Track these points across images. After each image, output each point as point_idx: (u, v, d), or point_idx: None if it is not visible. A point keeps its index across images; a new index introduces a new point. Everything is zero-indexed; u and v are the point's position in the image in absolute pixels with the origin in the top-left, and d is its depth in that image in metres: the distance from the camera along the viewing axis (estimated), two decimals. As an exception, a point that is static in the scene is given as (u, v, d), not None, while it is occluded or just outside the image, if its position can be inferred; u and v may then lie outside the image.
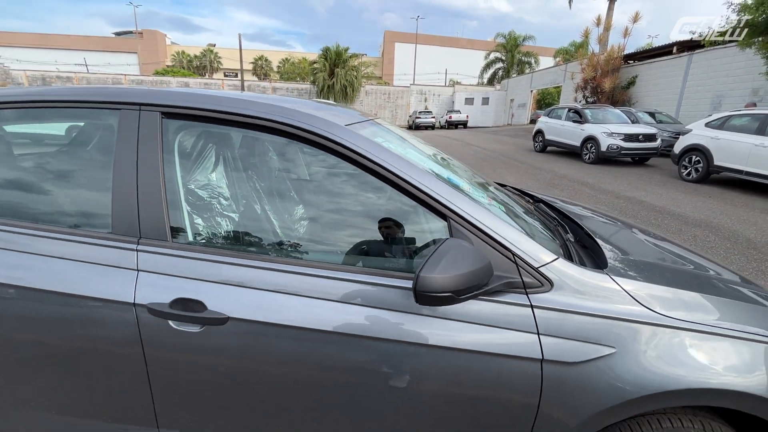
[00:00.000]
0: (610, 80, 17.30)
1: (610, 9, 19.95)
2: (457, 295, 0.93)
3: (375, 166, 1.11)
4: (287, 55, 62.72)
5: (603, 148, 10.23)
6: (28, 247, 1.12)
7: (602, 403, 1.00)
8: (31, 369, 1.15)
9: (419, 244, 1.26)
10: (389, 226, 1.25)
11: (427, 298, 0.92)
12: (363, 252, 1.23)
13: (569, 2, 22.40)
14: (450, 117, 29.50)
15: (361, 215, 1.33)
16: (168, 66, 52.41)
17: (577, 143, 11.24)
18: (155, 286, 1.07)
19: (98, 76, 31.70)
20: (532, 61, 37.50)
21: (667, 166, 9.93)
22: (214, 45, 64.47)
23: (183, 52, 60.49)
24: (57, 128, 1.41)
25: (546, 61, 39.41)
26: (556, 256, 1.10)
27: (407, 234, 1.27)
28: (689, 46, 15.29)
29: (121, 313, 1.06)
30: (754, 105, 11.17)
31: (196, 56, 60.72)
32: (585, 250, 1.40)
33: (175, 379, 1.10)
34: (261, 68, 60.73)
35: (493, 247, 1.06)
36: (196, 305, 1.05)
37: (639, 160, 10.86)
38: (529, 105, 28.48)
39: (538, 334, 1.02)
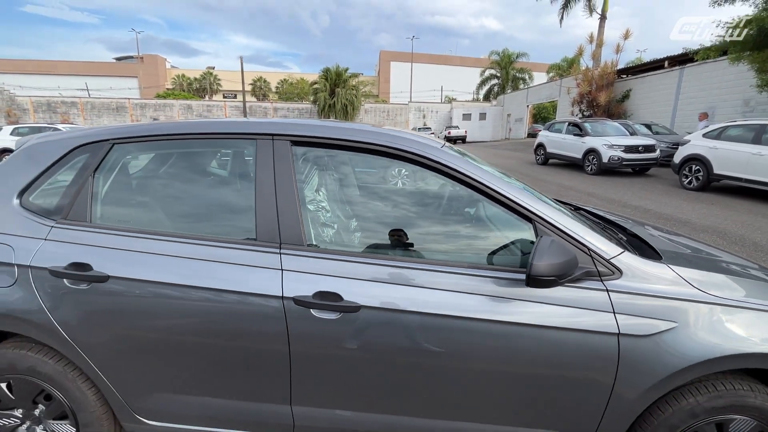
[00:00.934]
0: (605, 94, 17.90)
1: (601, 26, 20.77)
2: (559, 279, 1.17)
3: (468, 179, 1.37)
4: (285, 75, 64.04)
5: (605, 160, 10.60)
6: (191, 253, 1.36)
7: (668, 369, 1.23)
8: (190, 355, 1.37)
9: (503, 242, 1.50)
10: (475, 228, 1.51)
11: (537, 281, 1.16)
12: (463, 250, 1.48)
13: (560, 21, 23.26)
14: (449, 132, 30.13)
15: (456, 220, 1.59)
16: (168, 89, 53.40)
17: (579, 155, 11.62)
18: (298, 281, 1.31)
19: (102, 100, 32.30)
20: (527, 76, 38.56)
21: (667, 176, 10.29)
22: (213, 68, 65.86)
23: (183, 75, 61.76)
24: (205, 156, 1.67)
25: (539, 77, 40.50)
26: (623, 250, 1.35)
27: (493, 234, 1.52)
28: (680, 60, 15.93)
29: (271, 304, 1.29)
30: (706, 116, 11.88)
31: (195, 79, 61.98)
32: (637, 244, 1.65)
33: (314, 360, 1.33)
34: (260, 89, 61.91)
35: (572, 243, 1.30)
36: (334, 297, 1.28)
37: (639, 170, 11.23)
38: (526, 119, 29.17)
39: (614, 312, 1.26)
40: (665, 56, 17.01)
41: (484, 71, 40.67)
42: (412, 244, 1.51)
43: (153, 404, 1.45)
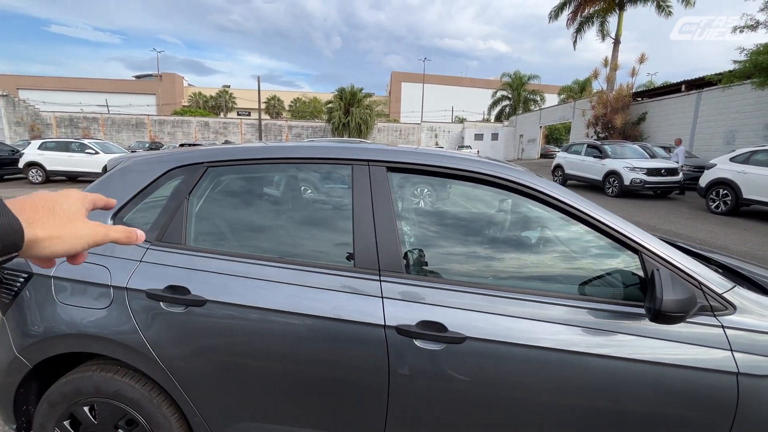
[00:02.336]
0: (621, 117, 17.92)
1: (615, 50, 20.97)
2: (686, 316, 1.13)
3: (571, 208, 1.34)
4: (299, 94, 65.46)
5: (626, 182, 10.51)
6: (288, 278, 1.34)
7: None
8: (283, 383, 1.34)
9: (595, 272, 1.46)
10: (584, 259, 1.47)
11: (666, 317, 1.12)
12: (570, 281, 1.44)
13: (573, 44, 23.59)
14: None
15: (551, 249, 1.56)
16: (185, 106, 54.93)
17: (599, 177, 11.55)
18: (400, 310, 1.28)
19: (122, 116, 33.25)
20: (538, 98, 38.90)
21: (691, 200, 10.14)
22: (229, 86, 67.72)
23: (199, 93, 63.53)
24: (299, 180, 1.68)
25: (551, 98, 40.84)
26: (734, 284, 1.30)
27: (582, 263, 1.48)
28: (697, 84, 15.96)
29: (372, 333, 1.26)
30: (681, 141, 12.35)
31: (211, 97, 63.66)
32: (738, 276, 1.60)
33: (413, 393, 1.28)
34: (273, 107, 63.31)
35: (682, 276, 1.26)
36: (438, 327, 1.25)
37: (661, 193, 11.11)
38: (538, 140, 29.26)
39: (731, 350, 1.20)
40: (682, 80, 17.08)
41: (495, 92, 41.18)
42: (499, 272, 1.48)
43: None
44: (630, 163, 10.74)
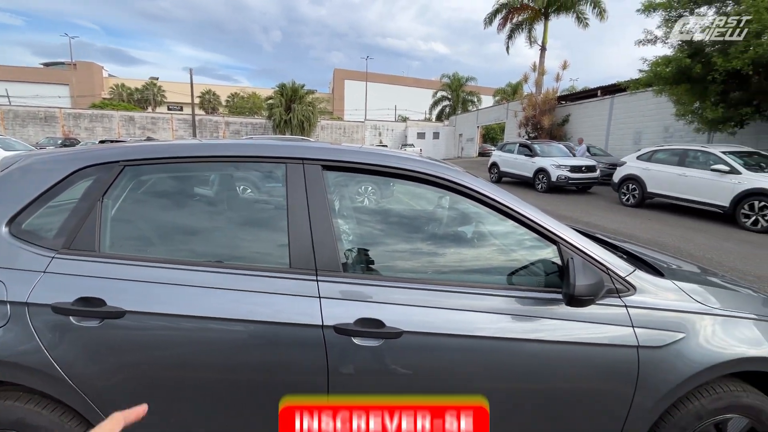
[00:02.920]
0: (548, 118, 19.46)
1: (542, 57, 22.67)
2: (595, 298, 1.26)
3: (498, 204, 1.44)
4: (237, 89, 62.25)
5: (553, 179, 11.45)
6: (219, 283, 1.28)
7: (680, 376, 1.35)
8: (219, 392, 1.27)
9: (519, 263, 1.58)
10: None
11: (579, 301, 1.23)
12: (500, 273, 1.52)
13: (506, 49, 25.08)
14: (404, 150, 30.89)
15: (484, 243, 1.64)
16: (106, 98, 49.67)
17: (530, 174, 12.45)
18: (338, 309, 1.28)
19: (27, 109, 29.25)
20: (475, 99, 40.88)
21: (607, 194, 11.31)
22: (157, 78, 62.50)
23: (122, 85, 57.91)
24: (227, 179, 1.58)
25: (487, 100, 43.12)
26: (635, 268, 1.47)
27: (515, 256, 1.59)
28: (611, 90, 17.80)
29: (309, 334, 1.25)
30: (582, 140, 14.32)
31: (137, 89, 58.32)
32: (639, 262, 1.81)
33: (353, 389, 1.29)
34: (209, 102, 59.59)
35: (592, 263, 1.41)
36: (376, 323, 1.27)
37: (582, 188, 12.25)
38: (476, 139, 30.76)
39: (633, 327, 1.37)
40: (598, 86, 18.95)
41: (436, 93, 42.54)
42: (437, 267, 1.54)
43: None
44: (556, 161, 11.71)
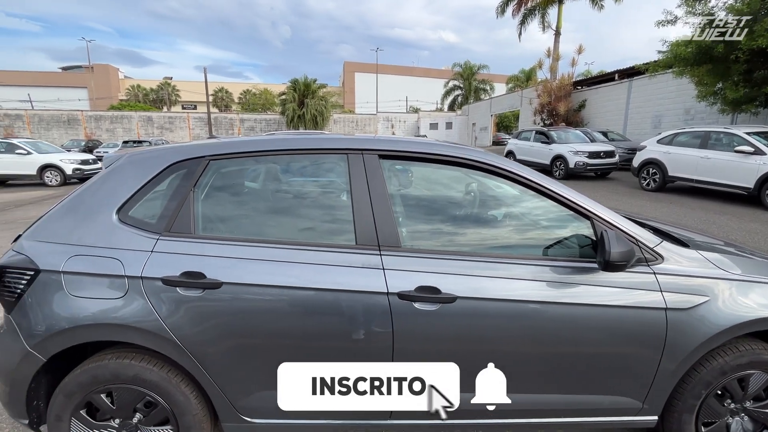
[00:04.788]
0: (564, 104, 19.20)
1: (556, 41, 22.31)
2: (627, 264, 1.43)
3: (534, 184, 1.61)
4: (248, 86, 62.88)
5: (571, 165, 11.41)
6: (298, 258, 1.49)
7: (704, 335, 1.51)
8: (298, 352, 1.49)
9: (555, 237, 1.74)
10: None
11: (614, 266, 1.41)
12: (537, 246, 1.70)
13: (518, 35, 24.73)
14: (418, 142, 30.84)
15: (524, 220, 1.82)
16: (123, 100, 50.89)
17: (547, 162, 12.41)
18: (400, 279, 1.47)
19: (51, 113, 30.29)
20: (488, 87, 40.40)
21: (626, 179, 11.22)
22: (171, 78, 63.62)
23: (138, 86, 59.14)
24: (297, 170, 1.81)
25: (499, 88, 42.56)
26: (661, 240, 1.63)
27: (552, 231, 1.76)
28: (628, 73, 17.45)
29: (377, 300, 1.45)
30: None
31: (152, 89, 59.52)
32: (665, 235, 1.95)
33: (414, 350, 1.49)
34: (222, 100, 60.43)
35: (624, 236, 1.57)
36: (433, 290, 1.46)
37: (601, 174, 12.17)
38: (490, 128, 30.52)
39: (661, 291, 1.53)
40: (615, 70, 18.58)
41: (448, 82, 42.21)
42: (483, 242, 1.72)
43: (257, 402, 1.55)
44: (574, 147, 11.65)
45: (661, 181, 9.18)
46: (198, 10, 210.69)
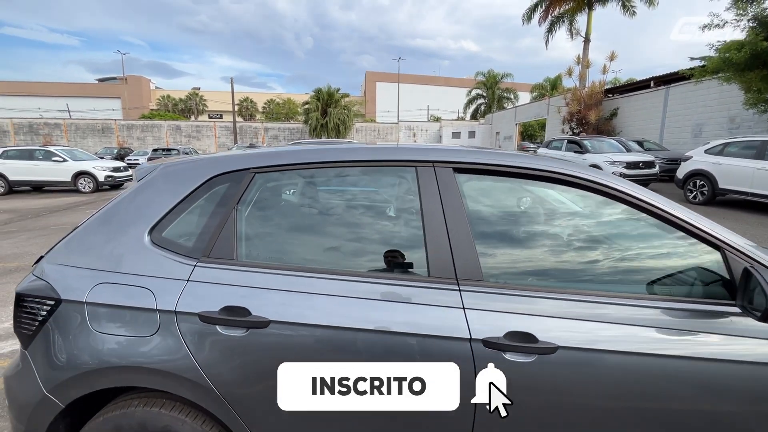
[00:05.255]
0: (594, 113, 18.52)
1: (586, 48, 21.67)
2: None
3: (645, 204, 1.30)
4: (272, 95, 64.28)
5: (607, 176, 10.82)
6: (357, 292, 1.23)
7: None
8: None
9: (680, 270, 1.40)
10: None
11: None
12: (646, 280, 1.38)
13: (545, 43, 24.21)
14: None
15: (635, 248, 1.50)
16: (153, 110, 52.88)
17: (580, 172, 11.84)
18: (484, 321, 1.19)
19: (87, 122, 31.60)
20: (512, 96, 39.77)
21: (668, 191, 10.54)
22: (199, 88, 65.74)
23: (168, 96, 61.37)
24: (358, 185, 1.55)
25: (523, 96, 41.81)
26: None
27: (668, 263, 1.43)
28: (665, 80, 16.70)
29: (456, 347, 1.17)
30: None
31: (181, 99, 61.61)
32: None
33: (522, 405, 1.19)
34: (246, 109, 61.95)
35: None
36: (527, 337, 1.17)
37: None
38: (515, 137, 29.88)
39: None
40: (649, 77, 17.84)
41: (470, 91, 41.78)
42: (584, 274, 1.41)
43: None
44: (610, 157, 11.08)
45: (709, 194, 8.54)
46: (226, 23, 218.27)
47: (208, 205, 1.36)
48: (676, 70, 14.25)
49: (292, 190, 1.57)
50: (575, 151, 12.33)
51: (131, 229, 1.33)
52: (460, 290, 1.23)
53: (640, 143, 14.40)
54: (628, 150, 12.59)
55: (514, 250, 1.46)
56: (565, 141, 13.20)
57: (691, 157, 9.03)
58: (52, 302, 1.26)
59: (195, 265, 1.27)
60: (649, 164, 10.93)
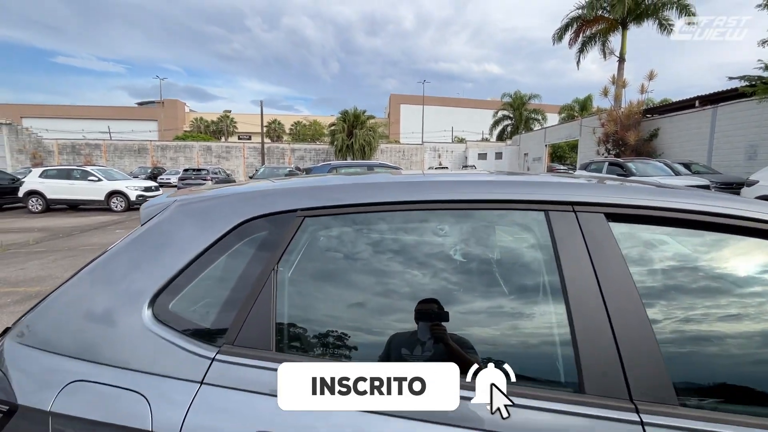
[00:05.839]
0: (634, 134, 17.59)
1: (621, 68, 20.91)
2: None
3: None
4: (299, 118, 66.18)
5: (656, 201, 9.99)
6: (464, 419, 0.76)
7: None
8: None
9: None
10: None
11: None
12: None
13: (576, 64, 23.60)
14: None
15: None
16: (186, 131, 55.24)
17: (625, 196, 11.03)
18: None
19: (125, 142, 33.04)
20: (540, 117, 39.03)
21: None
22: (230, 111, 68.47)
23: (201, 119, 64.24)
24: (453, 239, 1.08)
25: (551, 118, 40.96)
26: None
27: None
28: (711, 99, 15.73)
29: None
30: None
31: (213, 122, 64.32)
32: None
33: None
34: (274, 131, 63.90)
35: None
36: None
37: (691, 211, 10.57)
38: (544, 159, 28.99)
39: None
40: (695, 96, 16.89)
41: (496, 112, 41.31)
42: None
43: None
44: (657, 181, 10.25)
45: (782, 223, 7.60)
46: (257, 50, 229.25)
47: (236, 263, 0.93)
48: (725, 89, 13.34)
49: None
50: (618, 174, 11.53)
51: (126, 297, 0.91)
52: (641, 420, 0.73)
53: (686, 165, 13.38)
54: (677, 173, 11.67)
55: (721, 343, 0.93)
56: (606, 163, 12.44)
57: (758, 181, 8.14)
58: (5, 408, 0.84)
59: (214, 358, 0.84)
60: (704, 189, 10.02)
